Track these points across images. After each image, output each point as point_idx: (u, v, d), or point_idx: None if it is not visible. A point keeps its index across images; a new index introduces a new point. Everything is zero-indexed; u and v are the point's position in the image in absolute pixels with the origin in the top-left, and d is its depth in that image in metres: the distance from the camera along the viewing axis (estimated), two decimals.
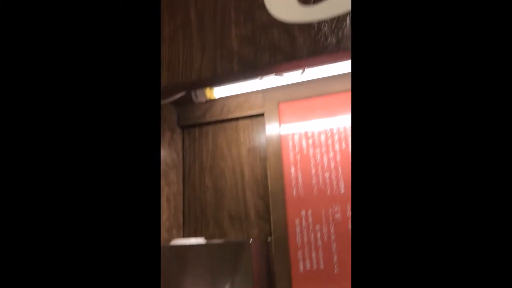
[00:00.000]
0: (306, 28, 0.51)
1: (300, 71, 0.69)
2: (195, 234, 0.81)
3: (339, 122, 0.72)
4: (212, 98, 0.77)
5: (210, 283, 0.59)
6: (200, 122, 0.86)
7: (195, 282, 0.60)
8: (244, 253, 0.58)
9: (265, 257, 0.68)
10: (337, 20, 0.50)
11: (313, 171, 0.72)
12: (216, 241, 0.68)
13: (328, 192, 0.70)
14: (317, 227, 0.69)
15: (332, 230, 0.68)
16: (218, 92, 0.78)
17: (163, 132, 0.79)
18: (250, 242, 0.58)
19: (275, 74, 0.69)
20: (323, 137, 0.73)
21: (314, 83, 0.75)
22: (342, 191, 0.69)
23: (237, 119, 0.83)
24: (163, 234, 0.73)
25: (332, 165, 0.71)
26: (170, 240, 0.74)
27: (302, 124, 0.75)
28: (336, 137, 0.71)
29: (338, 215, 0.68)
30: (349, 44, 0.49)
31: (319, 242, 0.68)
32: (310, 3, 0.51)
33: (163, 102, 0.74)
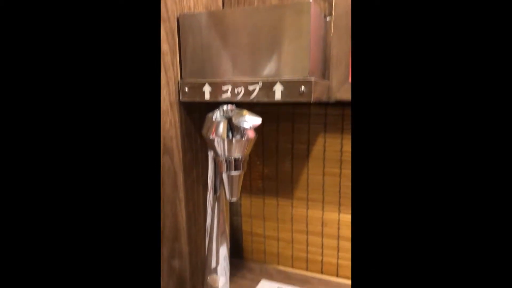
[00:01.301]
0: None
1: None
2: None
3: None
4: None
5: (255, 55, 0.49)
6: None
7: (238, 54, 0.50)
8: (301, 17, 0.45)
9: (322, 38, 0.56)
10: None
11: None
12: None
13: None
14: None
15: None
16: None
17: None
18: (311, 2, 0.44)
19: None
20: None
21: None
22: None
23: None
24: None
25: None
26: None
27: None
28: None
29: None
30: None
31: None
32: None
33: None
